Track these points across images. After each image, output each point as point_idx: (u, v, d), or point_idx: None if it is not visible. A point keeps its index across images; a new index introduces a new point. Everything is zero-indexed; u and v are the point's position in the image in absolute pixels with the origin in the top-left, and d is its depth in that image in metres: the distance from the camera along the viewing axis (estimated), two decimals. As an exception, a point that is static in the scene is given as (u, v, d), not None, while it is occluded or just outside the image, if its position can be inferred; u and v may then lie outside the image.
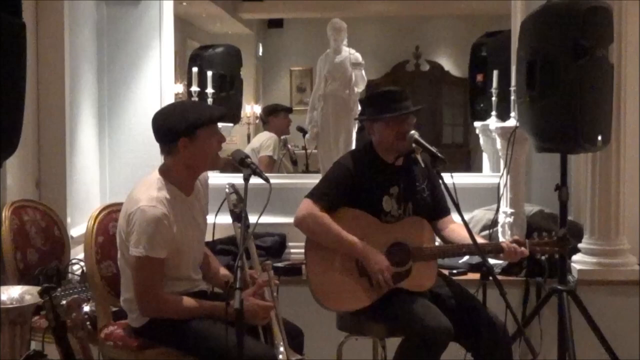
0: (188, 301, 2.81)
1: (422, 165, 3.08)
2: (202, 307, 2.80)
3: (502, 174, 4.03)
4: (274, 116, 6.59)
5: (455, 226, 3.20)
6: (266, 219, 2.99)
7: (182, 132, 2.80)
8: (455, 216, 3.10)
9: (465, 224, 2.88)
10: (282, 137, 6.40)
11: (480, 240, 3.13)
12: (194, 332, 2.77)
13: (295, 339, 2.92)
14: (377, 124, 3.17)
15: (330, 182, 3.15)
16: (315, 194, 3.09)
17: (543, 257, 3.84)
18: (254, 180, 2.68)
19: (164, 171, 2.90)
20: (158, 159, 4.84)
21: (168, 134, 2.84)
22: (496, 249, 3.07)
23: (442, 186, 3.00)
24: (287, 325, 2.93)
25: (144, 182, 2.88)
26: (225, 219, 2.85)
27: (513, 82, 4.00)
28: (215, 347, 2.66)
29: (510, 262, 3.88)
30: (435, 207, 3.24)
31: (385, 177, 3.15)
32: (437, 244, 3.23)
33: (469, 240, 2.87)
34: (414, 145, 3.04)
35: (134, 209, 2.77)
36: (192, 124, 2.80)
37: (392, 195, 3.14)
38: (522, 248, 3.05)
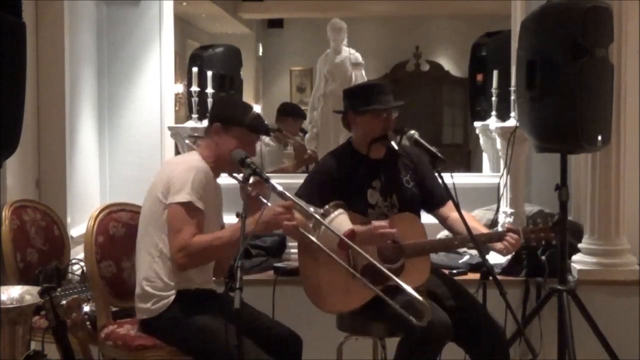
0: (217, 236, 2.79)
1: (395, 147, 3.09)
2: (227, 235, 2.78)
3: (502, 174, 4.03)
4: (289, 117, 6.10)
5: (458, 215, 3.18)
6: (266, 218, 2.99)
7: (221, 118, 2.94)
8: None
9: (463, 220, 2.88)
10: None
11: (481, 229, 3.13)
12: (198, 331, 2.77)
13: (293, 347, 2.92)
14: (361, 117, 3.17)
15: (311, 183, 3.16)
16: (297, 197, 3.09)
17: (543, 258, 3.87)
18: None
19: (200, 151, 2.99)
20: (158, 158, 4.92)
21: (213, 112, 3.06)
22: (490, 239, 3.07)
23: (437, 176, 2.99)
24: (285, 331, 2.94)
25: (181, 156, 3.03)
26: (231, 218, 2.85)
27: (513, 82, 4.00)
28: (215, 347, 2.67)
29: (511, 259, 3.91)
30: (426, 197, 3.24)
31: (366, 171, 3.16)
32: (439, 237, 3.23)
33: (474, 231, 2.89)
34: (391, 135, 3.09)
35: (174, 167, 2.86)
36: (234, 117, 2.92)
37: (376, 188, 3.15)
38: (512, 235, 3.04)
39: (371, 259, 2.70)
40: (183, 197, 2.77)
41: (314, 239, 2.72)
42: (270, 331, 2.91)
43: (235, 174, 2.89)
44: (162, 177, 2.88)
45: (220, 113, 2.99)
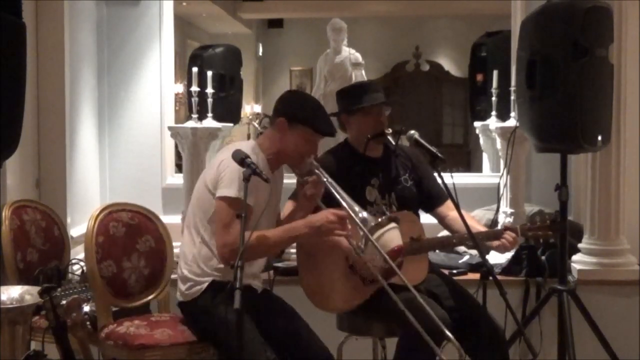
0: (264, 235, 2.73)
1: (393, 142, 3.09)
2: (274, 237, 2.77)
3: (502, 174, 4.03)
4: None
5: (457, 214, 3.17)
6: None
7: (288, 114, 2.88)
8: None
9: (463, 219, 2.88)
10: None
11: (480, 227, 3.13)
12: (220, 323, 2.72)
13: None
14: (353, 117, 3.18)
15: None
16: (296, 195, 3.09)
17: (543, 258, 3.87)
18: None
19: (259, 141, 2.96)
20: (158, 159, 4.92)
21: (281, 106, 2.94)
22: (488, 236, 3.07)
23: (436, 175, 2.99)
24: (322, 349, 2.90)
25: (239, 143, 2.95)
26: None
27: (513, 82, 4.01)
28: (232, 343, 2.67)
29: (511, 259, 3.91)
30: (425, 197, 3.24)
31: (364, 169, 3.17)
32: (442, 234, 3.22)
33: (473, 230, 2.91)
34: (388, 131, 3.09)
35: (228, 157, 2.76)
36: (300, 116, 2.87)
37: (374, 186, 3.16)
38: (510, 233, 3.04)
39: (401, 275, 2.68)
40: (232, 192, 2.74)
41: (360, 252, 2.71)
42: (305, 344, 2.89)
43: (296, 170, 2.90)
44: (215, 165, 2.86)
45: (288, 108, 2.91)
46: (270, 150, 2.90)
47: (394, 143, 3.13)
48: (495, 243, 3.07)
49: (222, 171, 2.79)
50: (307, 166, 2.85)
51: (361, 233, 2.68)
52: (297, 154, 2.87)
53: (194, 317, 2.93)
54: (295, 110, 2.90)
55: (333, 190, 2.76)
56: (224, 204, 2.76)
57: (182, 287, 2.92)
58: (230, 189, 2.75)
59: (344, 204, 2.72)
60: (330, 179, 2.79)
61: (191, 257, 2.89)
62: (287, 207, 3.09)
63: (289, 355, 2.82)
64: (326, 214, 2.72)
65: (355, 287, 3.01)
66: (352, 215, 2.69)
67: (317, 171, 2.79)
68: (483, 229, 3.18)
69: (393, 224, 2.72)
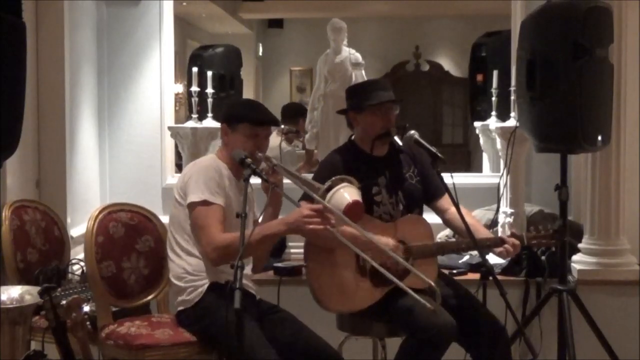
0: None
1: (400, 144, 3.09)
2: (258, 231, 2.76)
3: (502, 174, 4.03)
4: (299, 118, 5.84)
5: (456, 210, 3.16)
6: (266, 218, 2.99)
7: (225, 119, 3.03)
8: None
9: (466, 224, 2.88)
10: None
11: (480, 227, 3.13)
12: (221, 325, 2.71)
13: None
14: (361, 115, 3.17)
15: (317, 179, 3.15)
16: (307, 197, 3.09)
17: (543, 258, 3.87)
18: (254, 180, 2.70)
19: (217, 154, 3.07)
20: (158, 158, 4.92)
21: (220, 114, 3.16)
22: (495, 243, 3.08)
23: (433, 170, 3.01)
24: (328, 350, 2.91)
25: (201, 158, 3.13)
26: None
27: (513, 82, 4.01)
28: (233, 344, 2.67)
29: (511, 259, 3.91)
30: (427, 189, 3.24)
31: (370, 168, 3.16)
32: (441, 238, 3.21)
33: (474, 230, 2.90)
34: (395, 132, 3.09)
35: (189, 169, 3.00)
36: (235, 115, 3.01)
37: (381, 186, 3.15)
38: (514, 240, 3.06)
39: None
40: (197, 196, 2.85)
41: (349, 244, 2.71)
42: (310, 346, 2.89)
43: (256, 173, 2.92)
44: (179, 181, 3.00)
45: (225, 113, 3.08)
46: (226, 159, 2.99)
47: (400, 143, 3.11)
48: (498, 250, 3.08)
49: (186, 181, 2.92)
50: (262, 162, 2.89)
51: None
52: (247, 153, 2.87)
53: (196, 321, 2.91)
54: (230, 113, 3.06)
55: (288, 174, 2.88)
56: (195, 209, 2.86)
57: (182, 296, 2.94)
58: (195, 195, 2.86)
59: (298, 183, 2.78)
60: (283, 165, 2.90)
61: (181, 270, 2.94)
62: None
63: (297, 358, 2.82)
64: (300, 210, 2.74)
65: (367, 289, 3.00)
66: (303, 186, 2.77)
67: (269, 162, 2.86)
68: (483, 228, 3.18)
69: (344, 184, 2.75)
